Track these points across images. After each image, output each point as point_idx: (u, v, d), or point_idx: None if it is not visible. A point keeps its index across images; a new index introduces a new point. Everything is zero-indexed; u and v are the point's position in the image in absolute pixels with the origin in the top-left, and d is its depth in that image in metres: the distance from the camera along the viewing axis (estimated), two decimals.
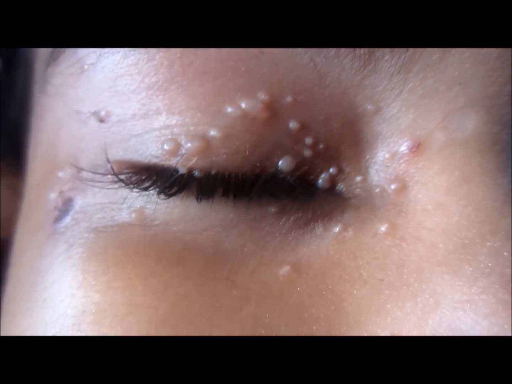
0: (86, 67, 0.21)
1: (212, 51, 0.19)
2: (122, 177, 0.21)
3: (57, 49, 0.22)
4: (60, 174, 0.23)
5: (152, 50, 0.20)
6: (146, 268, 0.20)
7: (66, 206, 0.23)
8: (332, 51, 0.19)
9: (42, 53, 0.24)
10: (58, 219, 0.23)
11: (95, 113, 0.21)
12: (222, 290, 0.20)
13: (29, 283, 0.22)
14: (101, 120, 0.21)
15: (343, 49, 0.19)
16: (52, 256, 0.22)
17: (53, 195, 0.23)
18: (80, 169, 0.22)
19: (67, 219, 0.22)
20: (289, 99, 0.20)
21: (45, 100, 0.24)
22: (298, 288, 0.20)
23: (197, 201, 0.20)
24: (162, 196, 0.21)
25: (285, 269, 0.20)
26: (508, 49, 0.19)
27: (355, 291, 0.19)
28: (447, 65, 0.19)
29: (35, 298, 0.22)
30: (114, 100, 0.21)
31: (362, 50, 0.19)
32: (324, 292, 0.20)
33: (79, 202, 0.22)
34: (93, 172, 0.22)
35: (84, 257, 0.21)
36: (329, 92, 0.20)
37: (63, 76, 0.22)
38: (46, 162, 0.24)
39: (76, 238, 0.21)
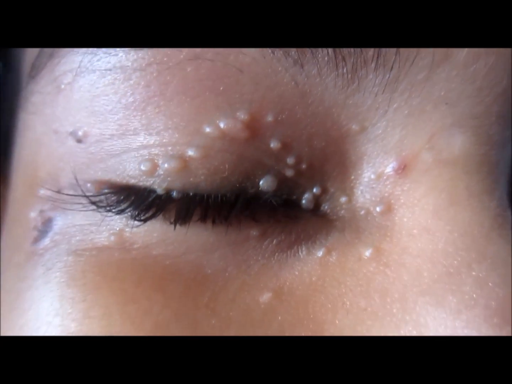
0: (63, 86, 0.21)
1: (190, 69, 0.19)
2: (100, 198, 0.21)
3: (36, 66, 0.22)
4: (41, 192, 0.22)
5: (128, 70, 0.19)
6: (125, 295, 0.20)
7: (45, 226, 0.22)
8: (313, 69, 0.19)
9: (25, 69, 0.24)
10: (37, 239, 0.22)
11: (73, 133, 0.21)
12: (201, 319, 0.19)
13: (7, 306, 0.22)
14: (79, 140, 0.21)
15: (325, 68, 0.19)
16: (30, 280, 0.21)
17: (33, 214, 0.23)
18: (59, 189, 0.22)
19: (46, 241, 0.22)
20: (270, 118, 0.19)
21: (25, 117, 0.23)
22: (279, 317, 0.19)
23: (173, 226, 0.20)
24: (137, 220, 0.20)
25: (266, 296, 0.20)
26: (495, 68, 0.19)
27: (337, 321, 0.19)
28: (433, 84, 0.19)
29: (12, 323, 0.21)
30: (91, 120, 0.20)
31: (345, 68, 0.19)
32: (305, 322, 0.19)
33: (58, 223, 0.22)
34: (69, 195, 0.21)
35: (62, 283, 0.20)
36: (311, 111, 0.19)
37: (41, 95, 0.22)
38: (27, 178, 0.24)
39: (55, 261, 0.21)
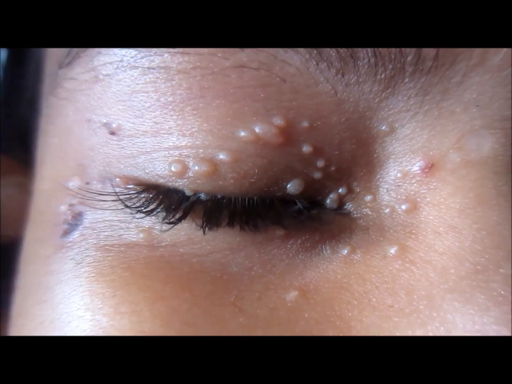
0: (101, 76, 0.21)
1: (233, 76, 0.19)
2: (128, 195, 0.21)
3: (72, 53, 0.22)
4: (70, 184, 0.23)
5: (172, 71, 0.20)
6: (153, 292, 0.20)
7: (75, 220, 0.22)
8: (353, 77, 0.19)
9: (54, 54, 0.24)
10: (66, 233, 0.23)
11: (106, 124, 0.21)
12: (228, 317, 0.20)
13: (36, 299, 0.22)
14: (112, 133, 0.21)
15: (364, 75, 0.19)
16: (59, 274, 0.22)
17: (63, 208, 0.23)
18: (87, 183, 0.22)
19: (76, 234, 0.22)
20: (305, 124, 0.20)
21: (56, 103, 0.23)
22: (306, 315, 0.20)
23: (203, 231, 0.20)
24: (166, 223, 0.20)
25: (292, 294, 0.20)
26: None
27: (363, 318, 0.19)
28: (466, 87, 0.19)
29: (43, 318, 0.22)
30: (127, 114, 0.21)
31: (383, 74, 0.19)
32: (332, 319, 0.20)
33: (88, 217, 0.22)
34: (99, 191, 0.22)
35: (91, 278, 0.21)
36: (346, 117, 0.19)
37: (77, 81, 0.22)
38: (56, 169, 0.24)
39: (84, 255, 0.21)
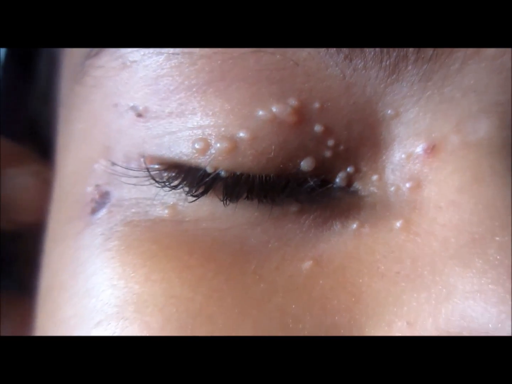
0: (128, 63, 0.22)
1: (252, 60, 0.21)
2: (153, 174, 0.22)
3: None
4: (96, 166, 0.24)
5: (195, 56, 0.21)
6: (180, 262, 0.21)
7: (102, 199, 0.24)
8: (360, 63, 0.21)
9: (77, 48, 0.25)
10: (94, 211, 0.24)
11: (133, 107, 0.22)
12: (250, 284, 0.21)
13: (69, 273, 0.24)
14: (139, 115, 0.22)
15: (370, 61, 0.21)
16: (91, 248, 0.23)
17: (89, 189, 0.24)
18: (113, 163, 0.23)
19: (103, 211, 0.23)
20: (316, 105, 0.21)
21: (82, 91, 0.25)
22: (321, 281, 0.21)
23: (224, 204, 0.22)
24: (190, 196, 0.22)
25: (307, 264, 0.22)
26: None
27: (373, 284, 0.21)
28: (464, 74, 0.21)
29: (77, 288, 0.23)
30: (153, 97, 0.22)
31: (388, 61, 0.21)
32: (345, 285, 0.21)
33: (115, 195, 0.23)
34: (126, 168, 0.23)
35: (122, 250, 0.22)
36: (354, 100, 0.21)
37: (104, 69, 0.23)
38: (81, 152, 0.25)
39: (113, 231, 0.23)
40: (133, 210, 0.23)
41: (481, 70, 0.21)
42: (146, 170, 0.22)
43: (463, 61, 0.21)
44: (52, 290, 0.25)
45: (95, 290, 0.22)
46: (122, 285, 0.22)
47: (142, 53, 0.22)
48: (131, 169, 0.23)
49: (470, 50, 0.20)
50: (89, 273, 0.23)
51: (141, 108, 0.22)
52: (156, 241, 0.22)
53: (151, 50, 0.22)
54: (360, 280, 0.21)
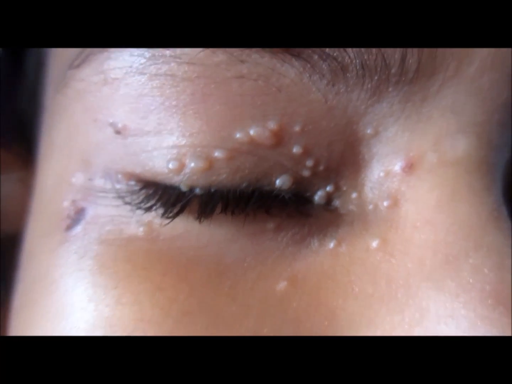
0: (110, 80, 0.22)
1: (234, 85, 0.21)
2: (129, 191, 0.22)
3: (82, 56, 0.23)
4: (73, 179, 0.24)
5: (177, 78, 0.21)
6: (153, 283, 0.21)
7: (78, 215, 0.24)
8: (343, 87, 0.21)
9: (62, 54, 0.25)
10: (69, 227, 0.24)
11: (113, 124, 0.22)
12: (223, 306, 0.21)
13: (41, 291, 0.23)
14: (117, 132, 0.22)
15: (352, 85, 0.21)
16: (64, 266, 0.23)
17: (66, 203, 0.24)
18: (91, 178, 0.23)
19: (78, 228, 0.23)
20: (297, 128, 0.21)
21: (63, 101, 0.24)
22: (295, 303, 0.21)
23: (199, 222, 0.21)
24: (165, 218, 0.22)
25: (282, 284, 0.22)
26: (498, 83, 0.20)
27: (347, 306, 0.21)
28: (442, 96, 0.21)
29: (48, 308, 0.23)
30: (132, 116, 0.22)
31: (370, 84, 0.21)
32: (318, 307, 0.21)
33: (90, 212, 0.23)
34: (103, 185, 0.23)
35: (94, 270, 0.22)
36: (335, 122, 0.21)
37: (85, 83, 0.23)
38: (60, 165, 0.25)
39: (86, 249, 0.23)
40: (108, 227, 0.23)
41: (460, 91, 0.21)
42: (115, 191, 0.22)
43: (442, 83, 0.21)
44: (24, 307, 0.25)
45: (65, 312, 0.22)
46: (92, 308, 0.21)
47: (124, 71, 0.22)
48: (104, 189, 0.23)
49: (449, 73, 0.21)
50: (60, 293, 0.22)
51: (120, 125, 0.22)
52: (129, 261, 0.22)
53: (133, 69, 0.21)
54: (335, 302, 0.21)
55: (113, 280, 0.22)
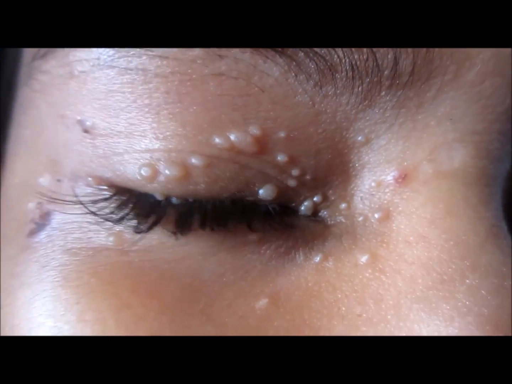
0: (76, 73, 0.20)
1: (212, 84, 0.19)
2: (101, 197, 0.20)
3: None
4: (41, 180, 0.22)
5: (149, 74, 0.19)
6: (119, 300, 0.20)
7: (43, 219, 0.22)
8: (331, 89, 0.19)
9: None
10: (33, 232, 0.22)
11: (80, 122, 0.21)
12: (196, 326, 0.19)
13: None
14: (86, 131, 0.21)
15: (342, 88, 0.19)
16: (23, 277, 0.21)
17: (31, 205, 0.22)
18: (58, 180, 0.21)
19: (42, 235, 0.21)
20: (282, 134, 0.20)
21: (29, 94, 0.23)
22: (275, 323, 0.20)
23: (175, 236, 0.20)
24: (137, 233, 0.20)
25: (262, 302, 0.20)
26: (500, 89, 0.19)
27: (332, 327, 0.19)
28: (440, 101, 0.19)
29: (6, 320, 0.21)
30: (102, 113, 0.20)
31: (360, 87, 0.19)
32: (301, 328, 0.20)
33: (56, 217, 0.21)
34: (73, 197, 0.21)
35: (56, 282, 0.20)
36: (323, 128, 0.20)
37: (50, 75, 0.21)
38: (27, 163, 0.23)
39: (49, 258, 0.21)
40: (74, 235, 0.21)
41: (458, 97, 0.19)
42: (80, 202, 0.20)
43: (440, 88, 0.19)
44: None
45: (22, 327, 0.20)
46: (50, 325, 0.20)
47: (91, 63, 0.20)
48: (73, 193, 0.21)
49: (447, 77, 0.19)
50: (17, 306, 0.21)
51: (89, 123, 0.20)
52: (95, 274, 0.20)
53: (101, 62, 0.20)
54: (319, 323, 0.20)
55: (75, 295, 0.20)
